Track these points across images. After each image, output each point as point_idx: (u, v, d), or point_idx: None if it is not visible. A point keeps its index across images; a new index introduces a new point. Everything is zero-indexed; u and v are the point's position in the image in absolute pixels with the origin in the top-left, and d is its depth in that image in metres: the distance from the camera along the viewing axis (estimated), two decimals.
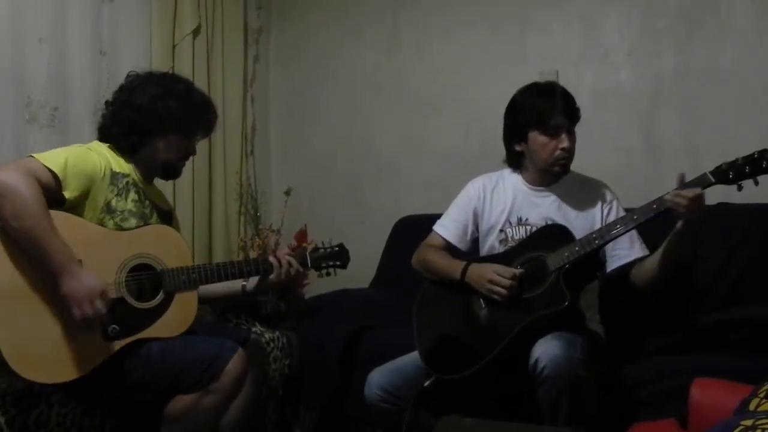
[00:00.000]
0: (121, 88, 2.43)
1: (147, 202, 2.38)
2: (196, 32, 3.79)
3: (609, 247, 2.43)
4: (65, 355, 2.08)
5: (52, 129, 3.20)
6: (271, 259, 2.48)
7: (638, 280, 2.42)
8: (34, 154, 2.13)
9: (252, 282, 2.54)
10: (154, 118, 2.34)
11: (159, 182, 2.56)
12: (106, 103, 2.44)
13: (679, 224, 2.20)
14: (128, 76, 2.46)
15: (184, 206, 3.68)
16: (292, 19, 4.40)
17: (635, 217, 2.25)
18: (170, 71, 3.53)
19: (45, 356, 2.06)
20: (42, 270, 2.07)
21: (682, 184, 2.18)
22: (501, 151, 2.63)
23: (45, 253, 2.04)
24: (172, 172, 2.49)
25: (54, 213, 2.08)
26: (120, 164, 2.32)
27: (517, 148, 2.53)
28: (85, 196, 2.20)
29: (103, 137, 2.40)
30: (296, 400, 3.11)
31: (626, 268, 2.44)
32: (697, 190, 2.14)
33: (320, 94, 4.29)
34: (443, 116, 3.87)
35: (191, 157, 2.51)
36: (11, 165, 2.08)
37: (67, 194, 2.14)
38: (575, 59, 3.50)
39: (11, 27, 3.04)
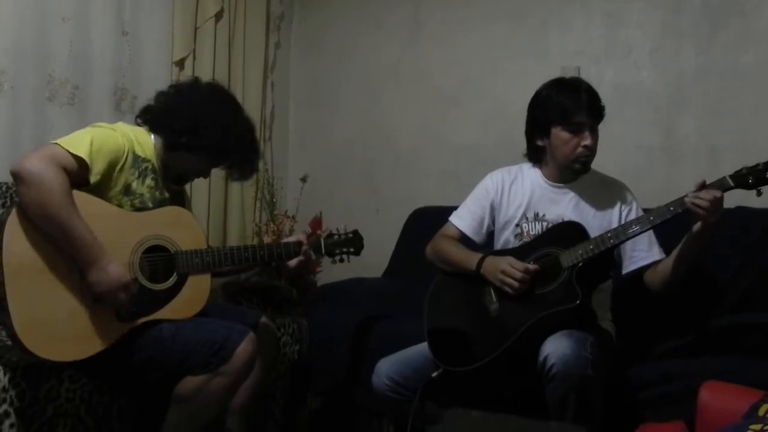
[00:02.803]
0: (197, 88, 2.42)
1: (162, 187, 2.38)
2: (218, 16, 3.81)
3: (628, 248, 2.43)
4: (77, 334, 2.10)
5: (72, 107, 3.23)
6: (301, 237, 2.51)
7: (653, 283, 2.41)
8: (58, 141, 2.10)
9: None
10: (211, 146, 2.35)
11: None
12: (173, 88, 2.44)
13: (697, 226, 2.18)
14: (208, 84, 2.47)
15: (201, 189, 3.70)
16: (314, 7, 4.41)
17: (652, 218, 2.24)
18: (192, 54, 3.57)
19: (57, 334, 2.07)
20: (65, 253, 2.08)
21: (702, 186, 2.16)
22: (519, 145, 2.62)
23: (72, 244, 2.06)
24: (182, 181, 2.52)
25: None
26: (143, 149, 2.30)
27: (539, 143, 2.51)
28: (108, 177, 2.19)
29: (148, 120, 2.38)
30: (305, 386, 3.12)
31: (642, 270, 2.43)
32: (717, 192, 2.12)
33: (340, 83, 4.29)
34: (462, 108, 3.86)
35: None
36: (36, 153, 2.05)
37: (92, 178, 2.13)
38: (597, 56, 3.47)
39: (35, 5, 3.06)
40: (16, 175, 2.01)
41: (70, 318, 2.09)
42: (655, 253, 2.42)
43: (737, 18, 3.16)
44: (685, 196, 2.16)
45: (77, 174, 2.10)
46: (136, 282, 2.20)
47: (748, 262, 2.75)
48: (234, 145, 2.39)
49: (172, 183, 2.46)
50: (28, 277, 2.05)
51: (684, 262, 2.30)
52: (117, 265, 2.11)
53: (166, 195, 2.38)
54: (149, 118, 2.39)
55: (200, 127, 2.32)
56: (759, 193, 2.12)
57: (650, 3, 3.36)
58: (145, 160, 2.30)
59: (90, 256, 2.07)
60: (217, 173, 3.60)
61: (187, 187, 2.68)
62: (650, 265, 2.42)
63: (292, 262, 2.48)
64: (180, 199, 2.51)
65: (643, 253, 2.43)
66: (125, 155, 2.22)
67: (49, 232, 2.05)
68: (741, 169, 2.14)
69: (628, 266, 2.46)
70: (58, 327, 2.07)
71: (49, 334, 2.06)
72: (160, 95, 2.42)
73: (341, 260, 2.58)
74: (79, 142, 2.12)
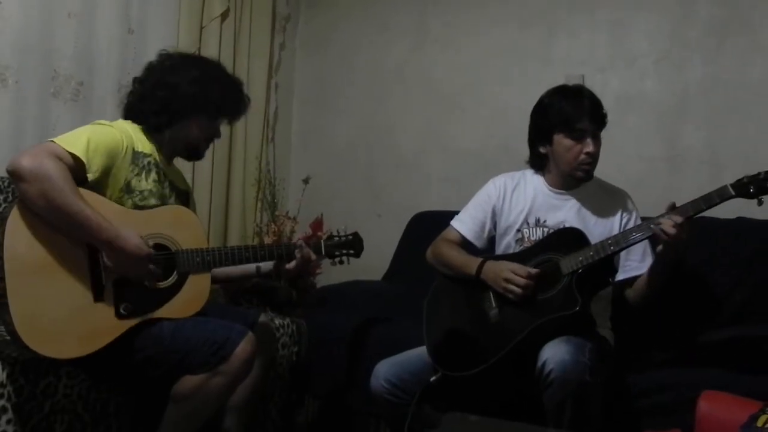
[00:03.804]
0: (152, 67, 2.42)
1: (167, 183, 2.38)
2: (224, 15, 3.81)
3: (622, 256, 2.42)
4: (77, 332, 2.09)
5: (76, 104, 3.23)
6: (300, 241, 2.50)
7: (629, 297, 2.43)
8: (54, 139, 2.10)
9: (267, 264, 2.55)
10: (190, 101, 2.34)
11: (179, 163, 2.56)
12: (135, 80, 2.43)
13: (659, 249, 2.20)
14: (160, 55, 2.45)
15: (203, 189, 3.70)
16: (320, 8, 4.41)
17: (652, 225, 2.24)
18: (197, 53, 3.57)
19: (57, 331, 2.06)
20: (66, 251, 2.07)
21: (672, 210, 2.18)
22: (521, 151, 2.62)
23: (85, 227, 2.04)
24: (195, 153, 2.49)
25: None
26: (143, 144, 2.31)
27: (542, 150, 2.52)
28: (106, 174, 2.18)
29: (129, 115, 2.39)
30: (302, 387, 3.12)
31: (628, 282, 2.44)
32: (678, 219, 2.14)
33: (344, 85, 4.29)
34: (466, 113, 3.87)
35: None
36: (32, 150, 2.04)
37: (90, 176, 2.13)
38: (602, 64, 3.48)
39: (41, 1, 3.06)
40: (14, 173, 2.00)
41: (70, 315, 2.08)
42: (646, 265, 2.42)
43: (745, 30, 3.16)
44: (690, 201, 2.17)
45: (74, 172, 2.08)
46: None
47: (746, 274, 2.75)
48: (212, 88, 2.37)
49: (186, 159, 2.48)
50: (29, 274, 2.04)
51: (657, 276, 2.32)
52: (135, 236, 2.11)
53: (173, 190, 2.39)
54: (133, 110, 2.39)
55: (170, 97, 2.32)
56: (760, 203, 2.12)
57: (658, 13, 3.36)
58: (146, 155, 2.30)
59: (107, 235, 2.06)
60: (221, 167, 3.61)
61: (190, 181, 2.68)
62: (637, 278, 2.43)
63: (292, 264, 2.48)
64: (185, 197, 2.51)
65: (635, 263, 2.44)
66: (124, 152, 2.22)
67: (59, 222, 2.04)
68: (742, 178, 2.14)
69: (620, 274, 2.46)
70: (58, 324, 2.06)
71: (48, 331, 2.05)
72: (135, 81, 2.43)
73: (341, 262, 2.58)
74: (76, 140, 2.11)
